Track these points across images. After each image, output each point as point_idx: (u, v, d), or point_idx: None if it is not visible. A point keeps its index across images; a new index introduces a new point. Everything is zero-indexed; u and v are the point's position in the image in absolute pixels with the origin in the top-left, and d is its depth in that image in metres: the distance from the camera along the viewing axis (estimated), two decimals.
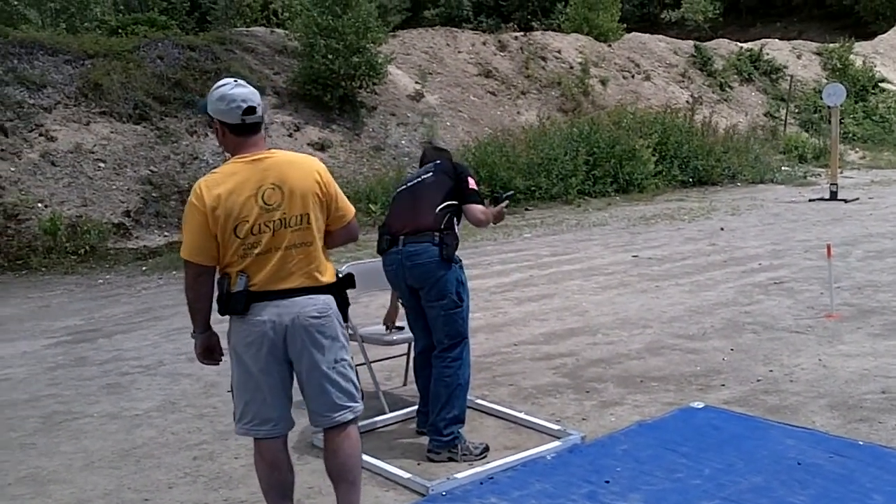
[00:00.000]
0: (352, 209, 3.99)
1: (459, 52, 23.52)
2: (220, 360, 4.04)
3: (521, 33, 26.37)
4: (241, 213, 3.67)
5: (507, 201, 5.36)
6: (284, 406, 3.88)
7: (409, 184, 5.24)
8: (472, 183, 5.11)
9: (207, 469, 4.99)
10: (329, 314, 3.82)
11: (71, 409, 6.12)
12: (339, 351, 3.86)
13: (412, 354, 5.64)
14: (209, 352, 3.99)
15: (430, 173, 5.15)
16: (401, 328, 5.87)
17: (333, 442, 3.93)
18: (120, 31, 18.71)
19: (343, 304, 3.94)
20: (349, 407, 3.90)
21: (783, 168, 22.23)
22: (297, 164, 3.84)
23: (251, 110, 3.77)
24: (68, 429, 5.73)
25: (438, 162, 5.23)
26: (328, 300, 3.84)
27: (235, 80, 3.86)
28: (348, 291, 4.00)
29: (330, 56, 18.09)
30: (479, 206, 5.11)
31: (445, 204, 5.01)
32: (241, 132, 3.79)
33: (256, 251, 3.69)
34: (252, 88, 3.85)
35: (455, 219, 5.10)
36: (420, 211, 5.00)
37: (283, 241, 3.71)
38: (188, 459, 5.14)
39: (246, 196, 3.68)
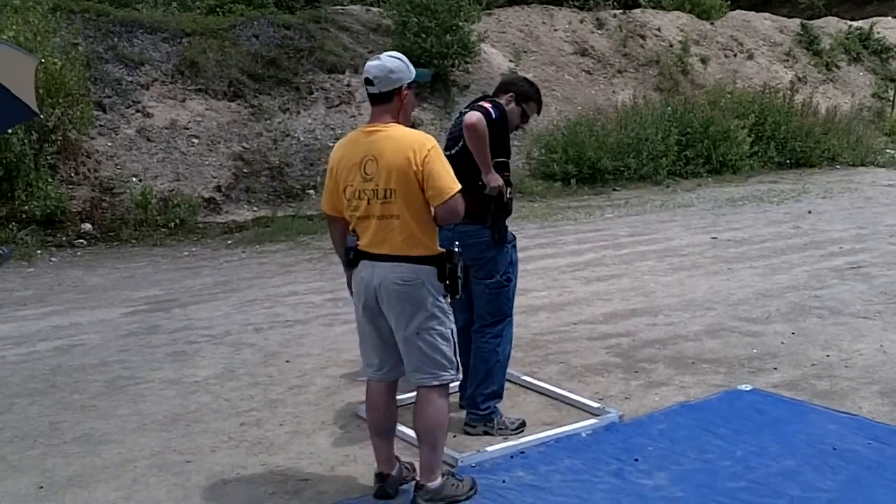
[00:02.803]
0: (450, 189, 3.97)
1: (556, 30, 23.32)
2: None
3: (621, 11, 26.01)
4: (348, 177, 4.06)
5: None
6: (385, 355, 4.21)
7: (447, 151, 4.75)
8: (471, 114, 4.75)
9: (252, 435, 5.17)
10: (414, 283, 4.01)
11: (134, 375, 6.38)
12: (426, 320, 4.04)
13: None
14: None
15: (461, 144, 4.84)
16: None
17: (418, 404, 4.19)
18: (217, 9, 19.11)
19: (447, 277, 4.07)
20: (433, 374, 4.11)
21: (887, 150, 21.45)
22: (397, 139, 3.99)
23: (368, 82, 4.05)
24: (128, 393, 5.99)
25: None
26: (418, 269, 4.01)
27: (388, 54, 4.12)
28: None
29: (423, 34, 18.17)
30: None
31: None
32: (370, 101, 4.12)
33: (357, 215, 4.06)
34: (386, 61, 4.05)
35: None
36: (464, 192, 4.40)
37: (375, 211, 4.00)
38: (235, 425, 5.33)
39: (353, 163, 4.04)
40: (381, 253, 4.01)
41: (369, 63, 4.06)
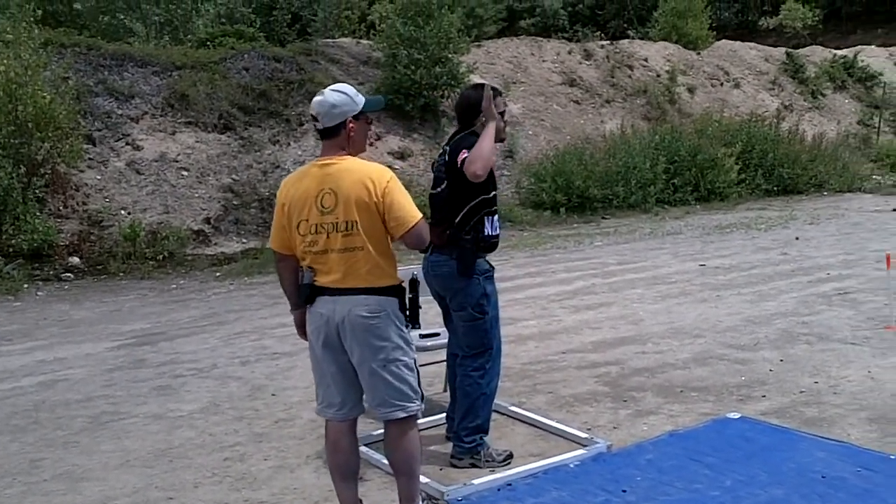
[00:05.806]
0: (413, 218, 3.95)
1: (544, 61, 23.48)
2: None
3: (608, 42, 26.19)
4: (303, 212, 3.96)
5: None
6: (347, 393, 4.11)
7: (432, 190, 5.10)
8: (464, 153, 4.78)
9: (235, 470, 5.11)
10: (381, 315, 3.95)
11: (119, 410, 6.33)
12: (391, 352, 3.99)
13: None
14: (302, 326, 4.25)
15: (444, 184, 4.94)
16: (436, 334, 5.89)
17: (390, 437, 4.14)
18: (208, 42, 19.18)
19: (407, 307, 4.10)
20: (400, 406, 4.04)
21: (873, 177, 21.66)
22: (353, 171, 3.94)
23: (314, 118, 4.06)
24: (112, 429, 5.93)
25: (448, 159, 4.93)
26: (383, 301, 3.96)
27: (332, 88, 4.09)
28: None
29: (412, 66, 18.31)
30: (473, 153, 4.74)
31: (466, 210, 4.88)
32: (319, 136, 4.12)
33: (314, 250, 3.96)
34: (328, 96, 4.01)
35: (486, 217, 4.94)
36: (436, 228, 4.83)
37: (336, 244, 3.91)
38: (219, 460, 5.28)
39: (308, 197, 3.95)
40: (344, 287, 3.93)
41: (314, 99, 4.05)
